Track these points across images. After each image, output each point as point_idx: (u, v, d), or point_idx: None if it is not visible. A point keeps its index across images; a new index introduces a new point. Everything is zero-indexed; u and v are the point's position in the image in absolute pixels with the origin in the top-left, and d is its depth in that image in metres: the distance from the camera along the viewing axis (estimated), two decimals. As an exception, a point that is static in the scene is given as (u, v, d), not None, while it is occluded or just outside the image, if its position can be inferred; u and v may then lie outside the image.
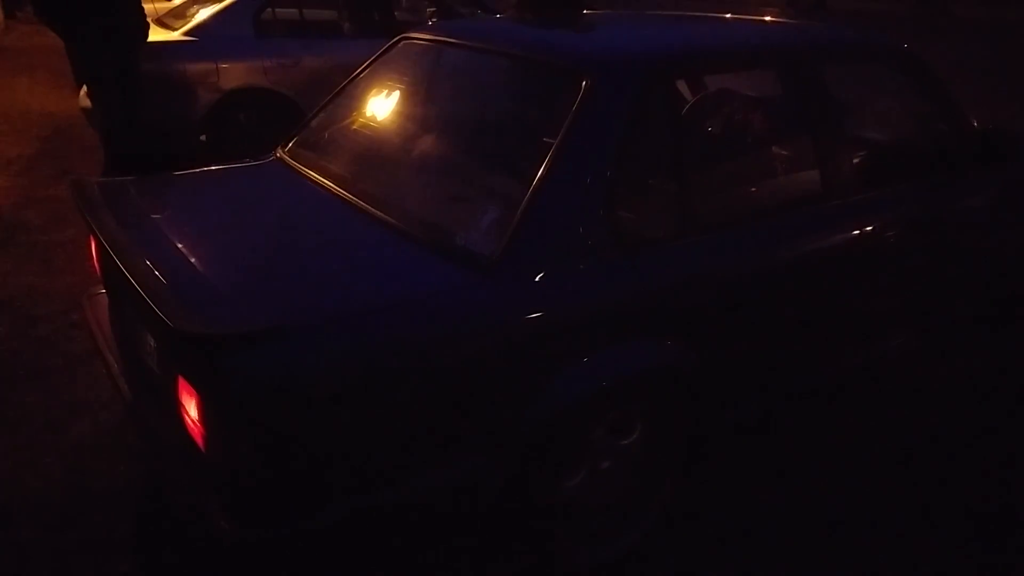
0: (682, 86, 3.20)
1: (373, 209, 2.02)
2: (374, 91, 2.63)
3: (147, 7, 4.47)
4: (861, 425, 2.69)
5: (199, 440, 1.56)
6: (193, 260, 1.81)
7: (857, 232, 2.32)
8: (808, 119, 2.36)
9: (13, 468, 2.36)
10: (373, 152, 2.49)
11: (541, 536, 1.94)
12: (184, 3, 5.51)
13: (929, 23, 12.68)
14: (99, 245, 2.00)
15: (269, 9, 5.09)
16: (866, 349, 2.61)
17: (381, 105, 2.60)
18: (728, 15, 2.96)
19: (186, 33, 4.88)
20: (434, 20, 5.48)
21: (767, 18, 3.23)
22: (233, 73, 4.91)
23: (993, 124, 2.83)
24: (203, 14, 4.94)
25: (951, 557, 2.14)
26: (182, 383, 1.55)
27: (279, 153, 2.54)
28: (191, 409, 1.54)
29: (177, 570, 2.03)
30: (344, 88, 2.67)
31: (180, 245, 1.88)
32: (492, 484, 1.78)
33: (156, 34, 4.98)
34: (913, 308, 2.72)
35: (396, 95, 2.61)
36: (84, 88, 4.56)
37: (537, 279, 1.73)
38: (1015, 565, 2.15)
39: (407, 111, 2.60)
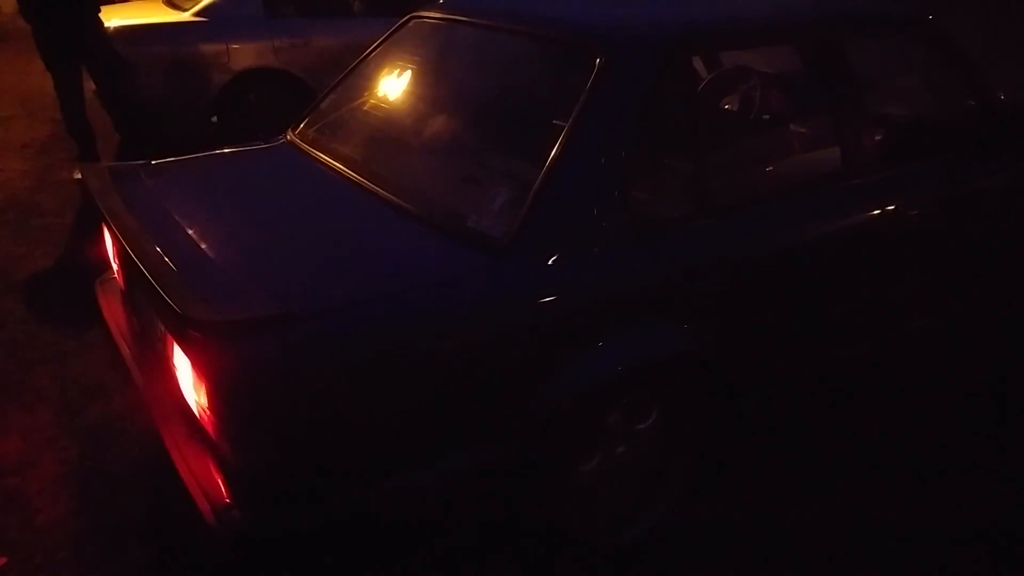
0: (698, 63, 3.14)
1: (384, 192, 1.99)
2: (384, 72, 2.59)
3: None
4: (879, 415, 2.64)
5: (209, 428, 1.55)
6: (203, 245, 1.79)
7: (879, 212, 2.26)
8: (828, 95, 2.29)
9: (29, 451, 2.37)
10: (384, 134, 2.45)
11: (555, 520, 1.92)
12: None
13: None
14: (109, 230, 1.99)
15: (279, -12, 5.05)
16: (888, 333, 2.56)
17: (391, 86, 2.56)
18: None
19: (196, 14, 4.84)
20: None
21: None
22: (243, 54, 4.87)
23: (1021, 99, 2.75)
24: (213, -6, 4.90)
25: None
26: (192, 370, 1.54)
27: (289, 136, 2.51)
28: (201, 397, 1.53)
29: (190, 556, 2.03)
30: (354, 69, 2.63)
31: (189, 230, 1.86)
32: (507, 469, 1.76)
33: (166, 15, 4.96)
34: (938, 290, 2.65)
35: (407, 75, 2.57)
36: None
37: (550, 262, 1.70)
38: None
39: (418, 91, 2.56)
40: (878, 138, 2.44)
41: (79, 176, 2.31)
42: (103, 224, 2.06)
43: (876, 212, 2.26)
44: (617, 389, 1.85)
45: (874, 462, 2.41)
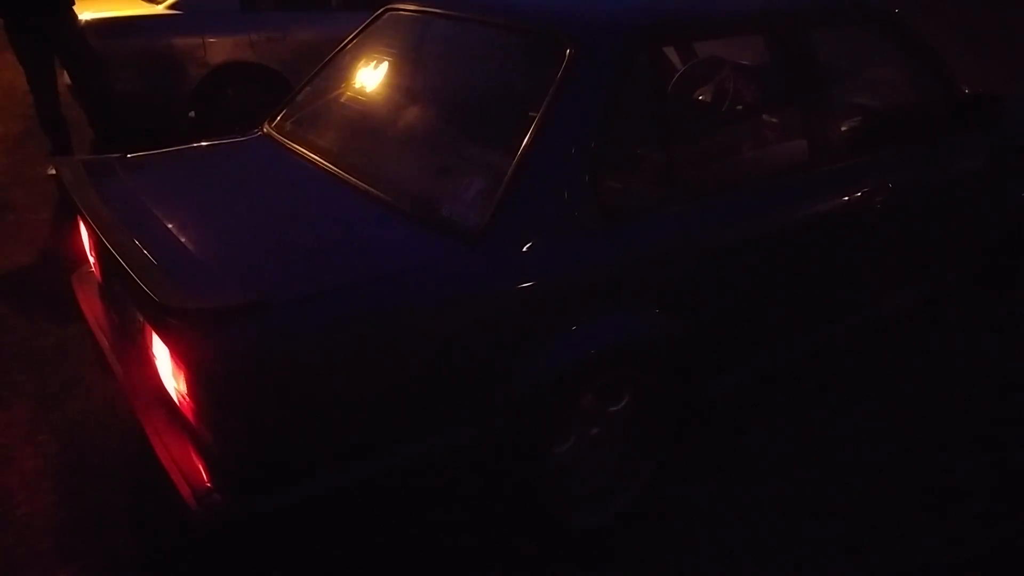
0: (673, 55, 3.18)
1: (359, 182, 2.02)
2: (359, 64, 2.61)
3: None
4: (853, 396, 2.71)
5: (189, 415, 1.57)
6: (180, 236, 1.81)
7: (846, 198, 2.32)
8: (796, 85, 2.35)
9: (8, 446, 2.38)
10: (359, 125, 2.47)
11: (532, 501, 1.96)
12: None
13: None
14: (85, 223, 2.00)
15: (254, -19, 5.02)
16: (857, 316, 2.63)
17: (366, 78, 2.58)
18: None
19: (170, 7, 4.81)
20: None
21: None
22: (220, 48, 4.84)
23: (981, 87, 2.82)
24: (187, -13, 4.86)
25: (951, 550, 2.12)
26: (170, 358, 1.56)
27: (266, 128, 2.53)
28: (180, 384, 1.55)
29: (174, 543, 2.05)
30: (329, 62, 2.65)
31: (166, 222, 1.87)
32: (483, 452, 1.80)
33: (140, 8, 4.93)
34: (902, 273, 2.73)
35: (382, 68, 2.59)
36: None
37: (524, 249, 1.74)
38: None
39: (392, 83, 2.58)
40: (845, 127, 2.50)
41: (53, 172, 2.31)
42: (79, 217, 2.07)
43: (843, 198, 2.32)
44: (590, 372, 1.89)
45: (846, 440, 2.47)
